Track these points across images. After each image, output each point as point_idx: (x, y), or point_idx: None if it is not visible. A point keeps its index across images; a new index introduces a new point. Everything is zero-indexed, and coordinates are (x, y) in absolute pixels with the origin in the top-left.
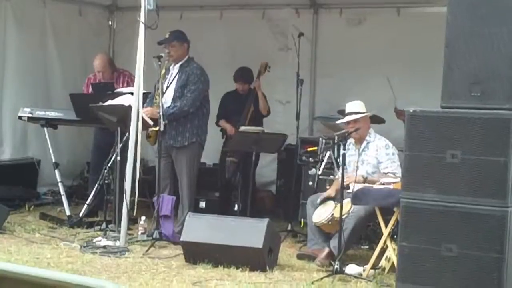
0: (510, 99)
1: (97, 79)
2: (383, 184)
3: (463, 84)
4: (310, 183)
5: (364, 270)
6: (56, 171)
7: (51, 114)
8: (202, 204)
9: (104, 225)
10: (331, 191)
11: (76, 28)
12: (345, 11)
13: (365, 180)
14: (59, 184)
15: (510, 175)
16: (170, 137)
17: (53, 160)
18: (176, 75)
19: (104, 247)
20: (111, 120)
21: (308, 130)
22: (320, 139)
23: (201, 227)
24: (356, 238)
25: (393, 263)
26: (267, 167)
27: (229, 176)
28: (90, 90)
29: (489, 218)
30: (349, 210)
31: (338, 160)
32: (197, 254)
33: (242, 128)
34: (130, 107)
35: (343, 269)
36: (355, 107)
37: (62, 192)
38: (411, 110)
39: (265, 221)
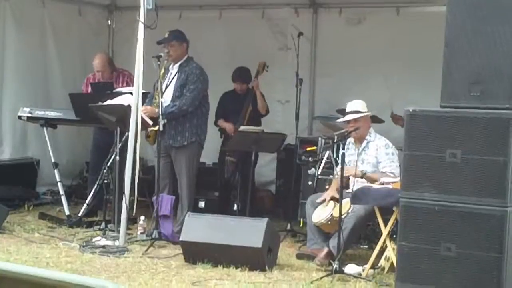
0: (509, 99)
1: (97, 78)
2: (383, 183)
3: (462, 83)
4: (310, 182)
5: (363, 270)
6: (56, 171)
7: (51, 113)
8: (202, 204)
9: (103, 225)
10: (331, 192)
11: (76, 28)
12: (344, 11)
13: (363, 175)
14: (59, 183)
15: (510, 175)
16: (169, 136)
17: (53, 160)
18: (175, 75)
19: (104, 246)
20: (110, 120)
21: (308, 130)
22: (320, 138)
23: (200, 227)
24: (356, 237)
25: (392, 263)
26: (266, 167)
27: (228, 176)
28: (90, 89)
29: (488, 217)
30: (349, 209)
31: (338, 159)
32: (196, 253)
33: (242, 128)
34: (129, 106)
35: (343, 268)
36: (356, 106)
37: (61, 191)
38: (411, 110)
39: (265, 220)
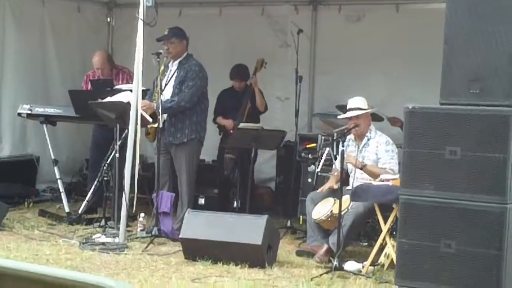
0: (509, 96)
1: (96, 76)
2: (382, 180)
3: (462, 81)
4: (309, 179)
5: (363, 267)
6: (55, 168)
7: (50, 110)
8: (201, 201)
9: (103, 222)
10: (330, 183)
11: (75, 25)
12: (344, 8)
13: (363, 167)
14: (58, 181)
15: (509, 172)
16: (169, 134)
17: (52, 157)
18: (175, 72)
19: (103, 243)
20: (110, 117)
21: (307, 127)
22: (319, 135)
23: (200, 224)
24: (355, 234)
25: (392, 260)
26: (266, 164)
27: (227, 173)
28: (89, 87)
29: (488, 214)
30: (348, 206)
31: (337, 156)
32: (196, 250)
33: (241, 125)
34: (129, 104)
35: (342, 265)
36: (357, 103)
37: (61, 189)
38: (410, 107)
39: (264, 217)
